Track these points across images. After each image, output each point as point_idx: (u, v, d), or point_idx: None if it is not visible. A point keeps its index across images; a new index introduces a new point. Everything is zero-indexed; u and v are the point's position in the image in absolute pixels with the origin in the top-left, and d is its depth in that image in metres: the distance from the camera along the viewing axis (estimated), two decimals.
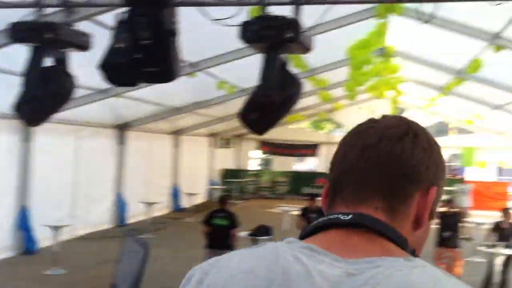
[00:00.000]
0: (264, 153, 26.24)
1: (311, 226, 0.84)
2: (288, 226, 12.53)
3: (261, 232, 8.98)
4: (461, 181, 19.08)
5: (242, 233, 8.91)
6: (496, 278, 8.57)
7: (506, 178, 24.85)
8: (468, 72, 11.31)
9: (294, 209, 13.55)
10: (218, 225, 8.17)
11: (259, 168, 28.08)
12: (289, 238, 0.82)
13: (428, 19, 5.15)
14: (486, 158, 24.13)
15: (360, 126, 0.95)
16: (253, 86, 11.36)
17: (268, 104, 2.58)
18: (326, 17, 4.61)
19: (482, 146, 24.11)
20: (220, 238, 8.10)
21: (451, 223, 9.04)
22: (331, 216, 0.82)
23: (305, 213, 8.90)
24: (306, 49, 2.66)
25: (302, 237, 0.84)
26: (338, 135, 27.64)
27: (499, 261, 8.60)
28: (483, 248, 9.06)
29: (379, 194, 0.86)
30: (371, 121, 0.95)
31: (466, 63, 11.35)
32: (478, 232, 11.77)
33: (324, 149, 25.53)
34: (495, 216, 16.48)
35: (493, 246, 8.72)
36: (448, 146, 24.98)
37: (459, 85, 13.02)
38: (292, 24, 2.76)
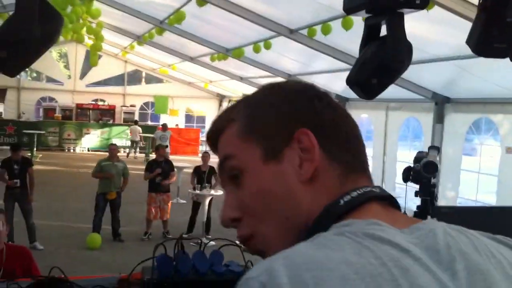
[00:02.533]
0: None
1: (350, 201, 0.78)
2: None
3: None
4: (164, 128, 19.86)
5: None
6: (203, 217, 9.29)
7: (196, 125, 27.00)
8: (170, 23, 11.72)
9: None
10: None
11: None
12: (344, 222, 0.73)
13: None
14: (177, 106, 25.78)
15: (316, 97, 0.87)
16: None
17: (26, 40, 2.23)
18: None
19: (174, 94, 25.64)
20: None
21: (165, 170, 9.46)
22: (366, 190, 0.80)
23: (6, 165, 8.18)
24: None
25: (336, 214, 0.76)
26: (27, 80, 25.66)
27: (207, 202, 9.32)
28: (192, 191, 9.54)
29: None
30: (316, 93, 0.89)
31: (168, 15, 11.74)
32: (180, 176, 12.52)
33: (13, 94, 23.52)
34: (191, 160, 17.84)
35: (201, 188, 9.34)
36: (141, 95, 25.75)
37: (160, 35, 13.41)
38: None
